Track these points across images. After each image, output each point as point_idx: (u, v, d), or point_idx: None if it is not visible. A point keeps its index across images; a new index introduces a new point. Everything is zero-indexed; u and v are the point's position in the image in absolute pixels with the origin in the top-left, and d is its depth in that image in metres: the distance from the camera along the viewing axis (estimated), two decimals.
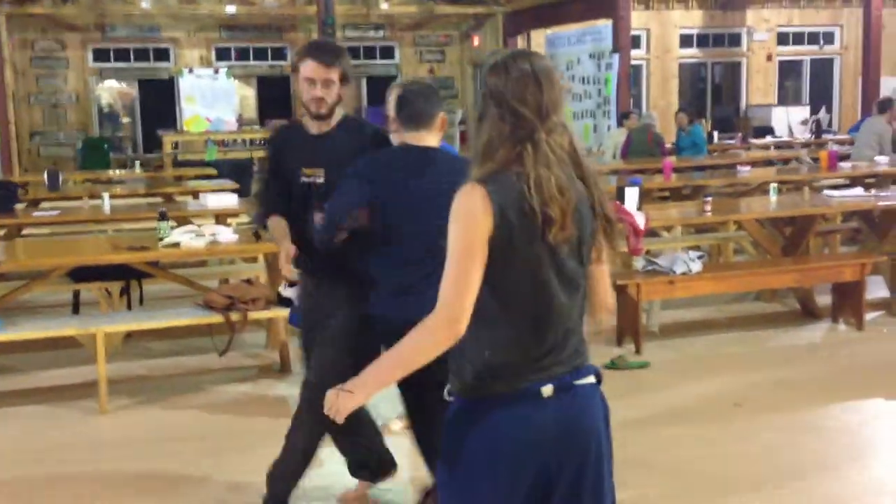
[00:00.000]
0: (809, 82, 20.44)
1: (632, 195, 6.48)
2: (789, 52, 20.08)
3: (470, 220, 2.10)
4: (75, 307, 7.10)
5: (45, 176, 9.85)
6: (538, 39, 17.67)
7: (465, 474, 2.19)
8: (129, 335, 6.53)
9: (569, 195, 2.12)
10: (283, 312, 5.54)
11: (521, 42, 17.83)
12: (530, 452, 2.15)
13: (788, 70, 20.37)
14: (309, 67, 3.54)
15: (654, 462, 4.46)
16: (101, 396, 5.36)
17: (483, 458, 2.16)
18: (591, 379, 2.25)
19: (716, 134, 16.08)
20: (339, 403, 2.18)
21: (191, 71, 17.12)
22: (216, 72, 16.84)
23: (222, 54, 18.37)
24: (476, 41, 18.94)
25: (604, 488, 2.25)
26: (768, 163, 12.31)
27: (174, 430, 5.04)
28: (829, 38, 20.16)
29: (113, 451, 4.80)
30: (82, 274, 6.50)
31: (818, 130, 16.46)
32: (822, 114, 18.54)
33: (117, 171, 14.12)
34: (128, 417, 5.29)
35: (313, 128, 3.67)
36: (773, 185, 7.53)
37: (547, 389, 2.16)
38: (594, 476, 2.22)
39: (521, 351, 2.16)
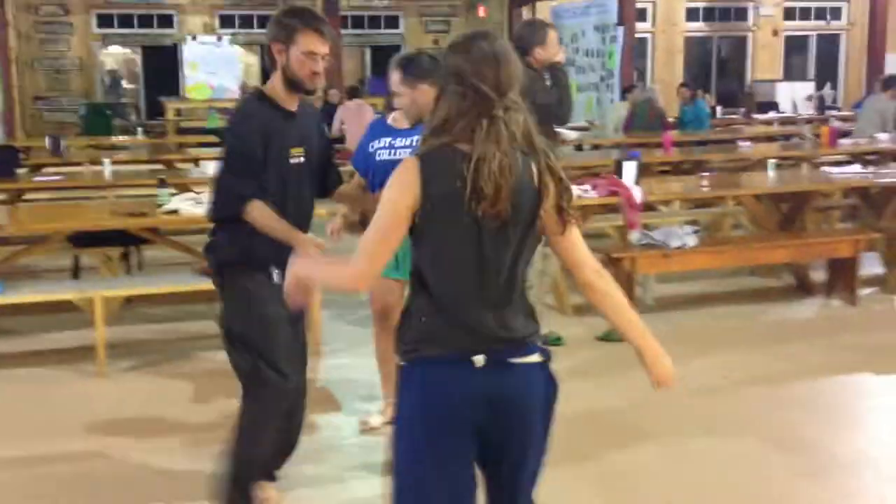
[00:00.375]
0: (815, 58, 20.37)
1: (629, 169, 6.51)
2: (796, 27, 20.01)
3: (398, 190, 2.26)
4: (75, 272, 7.17)
5: (48, 141, 9.90)
6: (544, 11, 17.60)
7: (401, 431, 2.33)
8: (128, 300, 6.61)
9: (507, 174, 2.20)
10: None
11: (525, 13, 17.77)
12: (455, 413, 2.27)
13: (795, 45, 20.30)
14: (311, 39, 3.30)
15: (642, 430, 4.53)
16: (99, 359, 5.43)
17: (414, 415, 2.30)
18: (534, 358, 2.34)
19: (719, 109, 16.07)
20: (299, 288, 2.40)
21: (194, 38, 17.11)
22: (219, 39, 16.84)
23: (226, 21, 18.34)
24: (482, 12, 18.87)
25: (525, 465, 2.38)
26: (770, 138, 12.31)
27: (171, 393, 5.11)
28: (836, 13, 20.08)
29: (110, 411, 4.88)
30: (82, 239, 6.57)
31: (821, 106, 16.43)
32: (827, 90, 18.50)
33: (120, 138, 14.16)
34: (126, 380, 5.36)
35: (291, 104, 3.40)
36: (771, 161, 7.55)
37: (479, 359, 2.26)
38: (518, 451, 2.35)
39: (449, 318, 2.27)
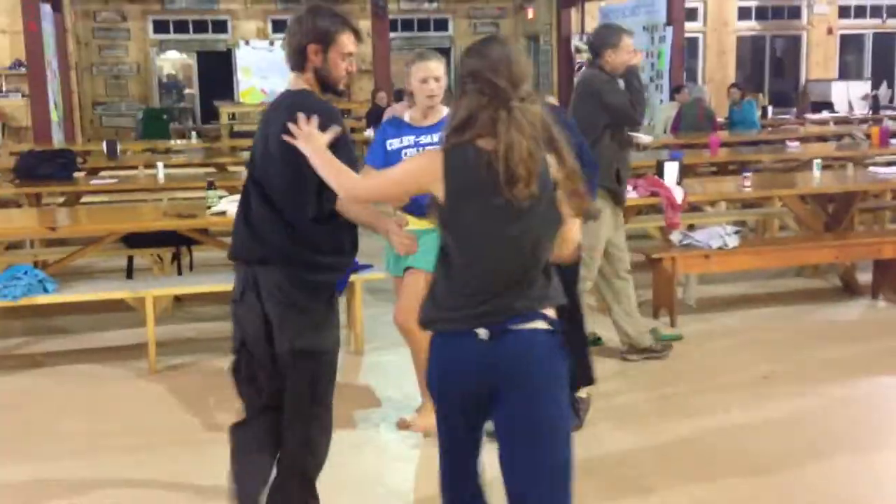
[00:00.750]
0: (871, 57, 20.04)
1: (671, 170, 6.54)
2: (851, 25, 19.70)
3: (418, 169, 2.61)
4: (129, 272, 7.39)
5: (104, 145, 10.19)
6: (592, 12, 17.59)
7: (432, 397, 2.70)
8: (179, 300, 6.82)
9: (536, 157, 2.45)
10: None
11: (574, 14, 17.76)
12: (458, 378, 2.56)
13: (850, 44, 20.00)
14: (350, 40, 3.35)
15: (674, 427, 4.57)
16: (150, 357, 5.61)
17: (432, 381, 2.64)
18: (537, 324, 2.52)
19: (770, 109, 15.90)
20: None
21: (247, 43, 17.40)
22: (272, 44, 17.08)
23: (278, 26, 18.61)
24: (530, 13, 18.90)
25: (540, 421, 2.53)
26: (821, 139, 12.18)
27: (220, 389, 5.24)
28: (892, 11, 19.73)
29: (161, 406, 5.05)
30: (136, 240, 6.78)
31: (876, 106, 16.19)
32: (883, 89, 18.19)
33: (176, 142, 14.47)
34: (176, 377, 5.53)
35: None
36: (817, 161, 7.50)
37: (482, 332, 2.50)
38: (527, 408, 2.52)
39: (468, 296, 2.51)
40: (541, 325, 2.52)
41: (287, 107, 3.11)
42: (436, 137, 4.04)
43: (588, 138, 4.99)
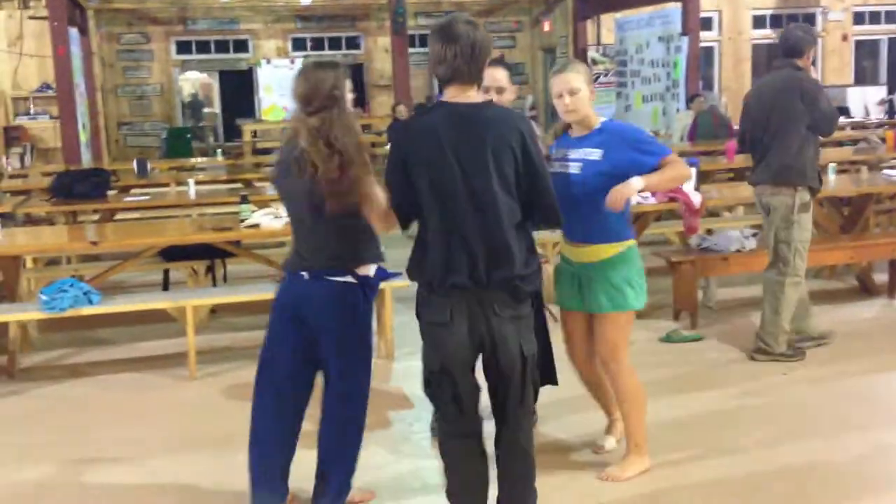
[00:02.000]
0: (888, 62, 20.13)
1: None
2: (866, 31, 19.82)
3: None
4: (165, 285, 7.63)
5: (135, 164, 10.48)
6: (608, 24, 17.80)
7: None
8: (213, 311, 7.05)
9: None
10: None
11: (590, 26, 17.97)
12: (283, 309, 3.68)
13: (866, 49, 20.10)
14: None
15: (694, 425, 4.74)
16: (190, 364, 5.84)
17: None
18: (340, 278, 3.53)
19: None
20: None
21: (268, 61, 17.70)
22: (292, 62, 17.38)
23: (298, 44, 18.94)
24: (547, 26, 19.13)
25: (333, 353, 3.63)
26: (836, 143, 12.31)
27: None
28: None
29: (202, 412, 5.27)
30: (171, 254, 7.02)
31: (891, 110, 16.29)
32: None
33: (199, 159, 14.76)
34: (215, 383, 5.75)
35: None
36: (832, 165, 7.66)
37: (305, 274, 3.58)
38: (323, 336, 3.61)
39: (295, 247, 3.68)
40: (342, 278, 3.53)
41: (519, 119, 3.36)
42: (587, 151, 3.94)
43: (790, 136, 5.35)
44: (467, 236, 3.23)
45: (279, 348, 3.69)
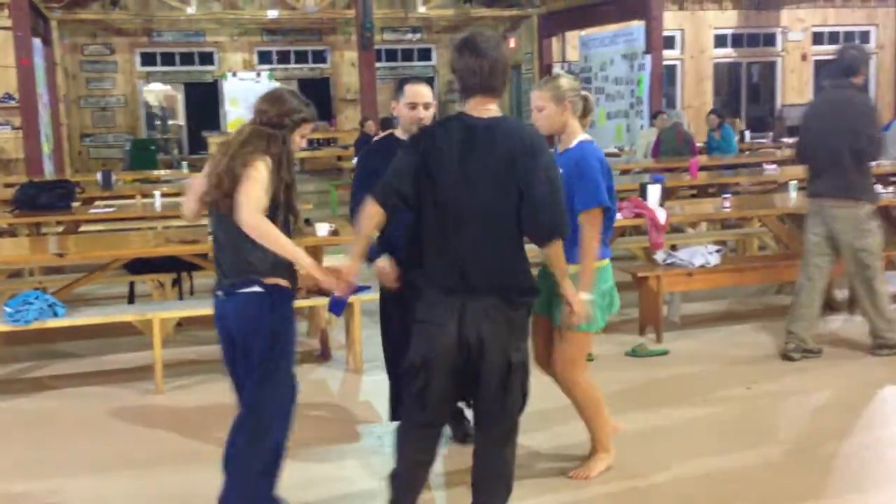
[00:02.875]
0: None
1: (654, 192, 6.82)
2: (825, 51, 20.18)
3: None
4: (130, 298, 7.57)
5: (99, 176, 10.39)
6: (572, 41, 17.98)
7: None
8: (180, 324, 6.99)
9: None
10: (324, 301, 5.94)
11: (555, 43, 18.14)
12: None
13: (825, 69, 20.47)
14: None
15: (662, 439, 4.80)
16: (157, 377, 5.81)
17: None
18: (246, 289, 3.58)
19: (747, 133, 16.28)
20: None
21: (234, 74, 17.65)
22: (258, 75, 17.35)
23: (264, 57, 18.90)
24: (512, 43, 19.27)
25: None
26: (796, 161, 12.49)
27: (224, 408, 5.42)
28: (864, 37, 20.23)
29: (169, 425, 5.23)
30: (137, 266, 6.98)
31: None
32: None
33: (164, 172, 14.67)
34: (182, 397, 5.72)
35: None
36: (793, 183, 7.80)
37: (220, 293, 3.70)
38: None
39: None
40: (254, 289, 3.58)
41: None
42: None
43: (850, 153, 5.73)
44: (466, 244, 3.34)
45: (228, 367, 3.82)
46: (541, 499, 4.12)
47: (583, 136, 4.15)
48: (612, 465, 4.35)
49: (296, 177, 3.73)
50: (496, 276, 3.36)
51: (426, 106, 4.43)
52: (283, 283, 3.64)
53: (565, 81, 4.18)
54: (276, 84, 17.52)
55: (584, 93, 4.22)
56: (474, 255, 3.34)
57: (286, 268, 3.63)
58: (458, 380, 3.45)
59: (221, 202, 3.54)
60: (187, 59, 18.66)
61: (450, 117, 3.46)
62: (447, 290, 3.36)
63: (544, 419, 4.87)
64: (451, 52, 3.46)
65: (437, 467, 4.40)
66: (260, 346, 3.62)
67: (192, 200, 3.79)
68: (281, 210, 3.59)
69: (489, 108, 3.40)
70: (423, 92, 4.44)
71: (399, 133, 4.61)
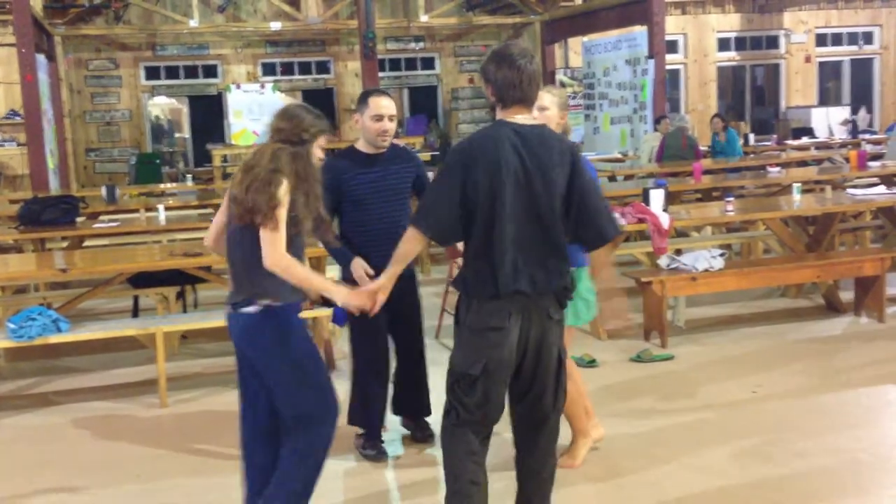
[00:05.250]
0: (850, 83, 20.46)
1: (657, 197, 6.80)
2: (828, 52, 20.14)
3: None
4: (135, 312, 7.58)
5: (104, 190, 10.41)
6: (575, 46, 17.97)
7: None
8: (184, 337, 7.01)
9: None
10: (326, 312, 5.95)
11: (558, 49, 18.14)
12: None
13: (829, 71, 20.42)
14: None
15: (668, 443, 4.78)
16: (161, 391, 5.81)
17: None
18: (246, 308, 3.61)
19: (752, 136, 16.24)
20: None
21: (238, 86, 17.68)
22: (262, 86, 17.37)
23: (268, 69, 18.92)
24: None
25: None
26: (802, 163, 12.48)
27: (228, 420, 5.43)
28: (868, 37, 20.19)
29: (173, 438, 5.23)
30: (141, 280, 6.98)
31: (854, 131, 16.55)
32: (863, 114, 18.58)
33: (169, 185, 14.69)
34: (187, 411, 5.72)
35: None
36: (796, 185, 7.77)
37: (228, 308, 3.69)
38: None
39: None
40: (251, 309, 3.59)
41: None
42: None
43: None
44: (531, 247, 3.46)
45: (238, 377, 3.84)
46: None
47: None
48: (597, 443, 4.64)
49: (319, 188, 3.72)
50: (554, 277, 3.52)
51: (391, 118, 4.51)
52: (284, 302, 3.63)
53: (566, 94, 4.43)
54: (281, 95, 17.59)
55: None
56: (539, 259, 3.48)
57: (293, 286, 3.63)
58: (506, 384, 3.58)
59: (244, 216, 3.54)
60: (191, 72, 18.69)
61: (497, 125, 3.50)
62: (512, 295, 3.45)
63: None
64: (488, 62, 3.53)
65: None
66: (268, 366, 3.64)
67: (213, 232, 3.86)
68: (302, 223, 3.62)
69: (528, 117, 3.53)
70: (387, 104, 4.52)
71: (360, 146, 4.64)
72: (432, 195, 3.52)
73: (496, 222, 3.42)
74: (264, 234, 3.50)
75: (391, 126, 4.51)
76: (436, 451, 4.62)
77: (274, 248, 3.51)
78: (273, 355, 3.62)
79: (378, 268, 4.07)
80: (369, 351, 4.70)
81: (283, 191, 3.53)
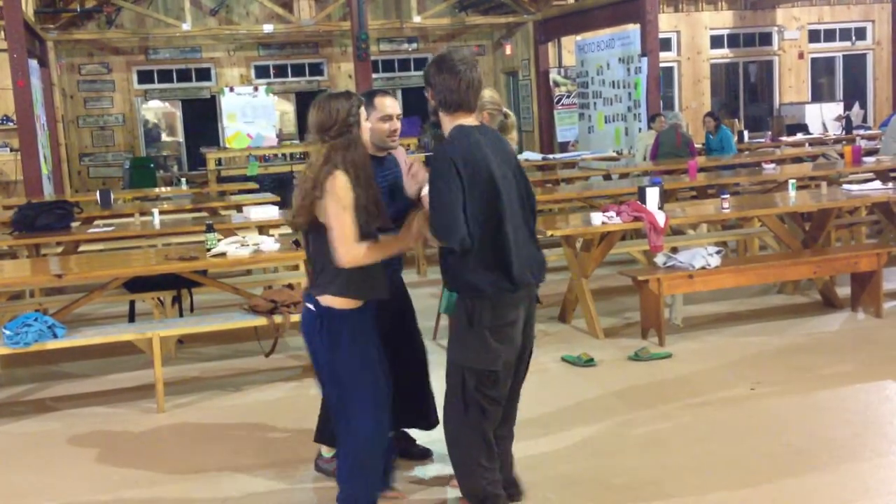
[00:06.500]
0: (843, 78, 20.49)
1: (653, 195, 6.79)
2: (821, 49, 20.16)
3: None
4: (131, 317, 7.55)
5: (98, 195, 10.39)
6: (569, 46, 17.97)
7: None
8: (181, 341, 7.00)
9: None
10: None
11: (551, 49, 18.13)
12: None
13: (822, 67, 20.44)
14: None
15: (668, 442, 4.77)
16: (158, 396, 5.78)
17: None
18: (308, 303, 3.67)
19: (746, 133, 16.26)
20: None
21: (231, 89, 17.64)
22: (256, 89, 17.34)
23: (261, 72, 18.91)
24: (508, 49, 19.28)
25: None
26: (796, 160, 12.50)
27: (226, 425, 5.44)
28: (860, 33, 20.21)
29: (171, 444, 5.21)
30: (137, 285, 6.96)
31: (848, 126, 16.57)
32: (856, 109, 18.60)
33: (163, 189, 14.66)
34: (184, 415, 5.70)
35: None
36: (792, 181, 7.77)
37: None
38: None
39: None
40: (309, 305, 3.64)
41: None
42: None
43: None
44: (524, 240, 3.67)
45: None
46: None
47: None
48: None
49: (371, 170, 3.73)
50: (543, 265, 3.79)
51: (398, 117, 4.44)
52: (345, 303, 3.62)
53: (487, 93, 4.45)
54: (274, 98, 17.58)
55: (506, 110, 4.69)
56: (530, 250, 3.70)
57: (359, 284, 3.61)
58: None
59: (309, 224, 3.63)
60: (184, 75, 18.68)
61: (464, 128, 3.67)
62: (515, 288, 3.62)
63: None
64: (430, 67, 3.70)
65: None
66: (319, 366, 3.74)
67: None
68: (366, 212, 3.63)
69: (473, 121, 3.73)
70: (393, 103, 4.46)
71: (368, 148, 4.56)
72: (448, 208, 3.51)
73: (502, 221, 3.55)
74: (330, 232, 3.55)
75: (399, 125, 4.42)
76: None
77: (342, 243, 3.54)
78: (320, 359, 3.74)
79: (389, 275, 4.09)
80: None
81: (341, 178, 3.53)
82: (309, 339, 3.72)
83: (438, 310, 4.81)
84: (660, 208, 6.81)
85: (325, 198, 3.52)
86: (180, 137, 19.80)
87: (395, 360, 4.51)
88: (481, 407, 3.67)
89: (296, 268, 7.88)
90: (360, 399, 3.67)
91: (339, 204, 3.51)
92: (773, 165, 10.64)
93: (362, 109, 3.72)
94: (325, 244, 3.58)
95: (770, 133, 16.86)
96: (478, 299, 3.60)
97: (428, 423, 4.58)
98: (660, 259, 6.81)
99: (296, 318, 6.07)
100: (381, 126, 4.36)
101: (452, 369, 3.75)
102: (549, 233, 6.63)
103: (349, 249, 3.52)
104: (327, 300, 3.61)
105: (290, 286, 6.55)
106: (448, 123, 3.70)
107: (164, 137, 20.57)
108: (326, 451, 4.53)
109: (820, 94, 20.30)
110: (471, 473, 3.76)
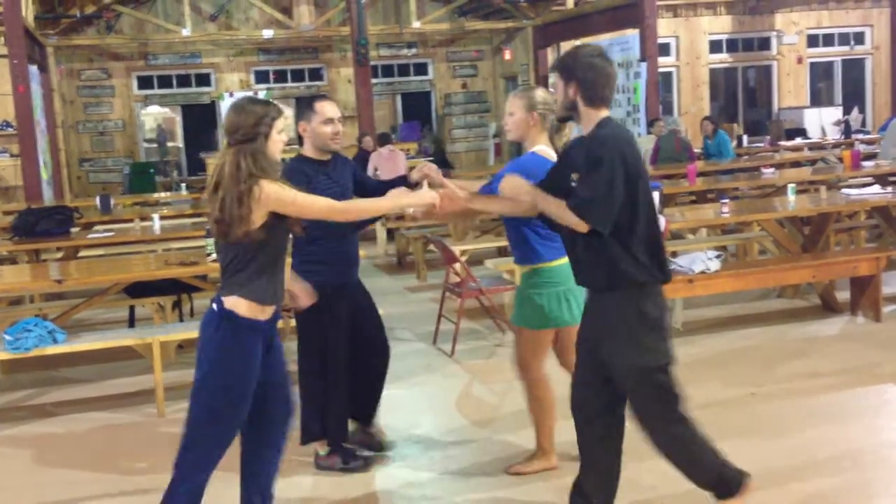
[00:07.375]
0: (842, 83, 20.52)
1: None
2: (820, 53, 20.21)
3: None
4: (131, 322, 7.56)
5: (98, 200, 10.41)
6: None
7: None
8: (181, 346, 6.99)
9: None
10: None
11: (550, 54, 18.17)
12: None
13: (820, 71, 20.48)
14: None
15: None
16: (158, 401, 5.79)
17: None
18: (213, 304, 3.51)
19: (745, 138, 16.29)
20: None
21: (231, 94, 17.69)
22: (255, 94, 17.38)
23: (261, 77, 18.94)
24: (508, 55, 19.31)
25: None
26: (795, 164, 12.51)
27: None
28: (859, 38, 20.25)
29: (171, 448, 5.17)
30: (137, 290, 6.97)
31: (847, 130, 16.60)
32: (855, 114, 18.63)
33: (163, 194, 14.68)
34: (184, 420, 5.68)
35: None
36: (791, 186, 7.78)
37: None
38: None
39: None
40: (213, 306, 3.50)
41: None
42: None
43: None
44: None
45: None
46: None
47: (537, 148, 4.29)
48: (552, 468, 4.52)
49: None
50: None
51: (340, 120, 4.57)
52: (247, 312, 3.46)
53: (539, 94, 4.33)
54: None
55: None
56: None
57: (267, 291, 3.48)
58: None
59: (226, 232, 3.41)
60: (184, 80, 18.71)
61: (613, 120, 3.61)
62: (667, 279, 3.57)
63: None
64: (571, 61, 3.57)
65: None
66: (198, 369, 3.52)
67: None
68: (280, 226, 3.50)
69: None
70: (333, 107, 4.58)
71: (309, 153, 4.62)
72: (599, 187, 3.37)
73: (652, 209, 3.50)
74: (300, 212, 3.48)
75: (342, 128, 4.58)
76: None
77: (318, 207, 3.54)
78: (204, 362, 3.53)
79: (339, 276, 4.60)
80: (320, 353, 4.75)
81: (274, 189, 3.39)
82: (202, 338, 3.53)
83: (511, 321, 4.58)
84: (659, 213, 6.80)
85: (264, 206, 3.37)
86: (180, 142, 19.84)
87: (355, 357, 4.70)
88: (679, 398, 3.62)
89: None
90: (207, 446, 3.60)
91: (285, 196, 3.41)
92: (772, 170, 10.66)
93: (278, 122, 3.52)
94: (239, 250, 3.43)
95: (769, 137, 16.89)
96: (636, 287, 3.47)
97: (366, 419, 4.92)
98: None
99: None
100: (324, 129, 4.51)
101: (640, 377, 3.55)
102: None
103: (331, 209, 3.59)
104: (232, 302, 3.44)
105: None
106: (593, 116, 3.57)
107: (165, 143, 20.61)
108: (321, 449, 4.68)
109: (819, 98, 20.34)
110: (703, 465, 3.75)
